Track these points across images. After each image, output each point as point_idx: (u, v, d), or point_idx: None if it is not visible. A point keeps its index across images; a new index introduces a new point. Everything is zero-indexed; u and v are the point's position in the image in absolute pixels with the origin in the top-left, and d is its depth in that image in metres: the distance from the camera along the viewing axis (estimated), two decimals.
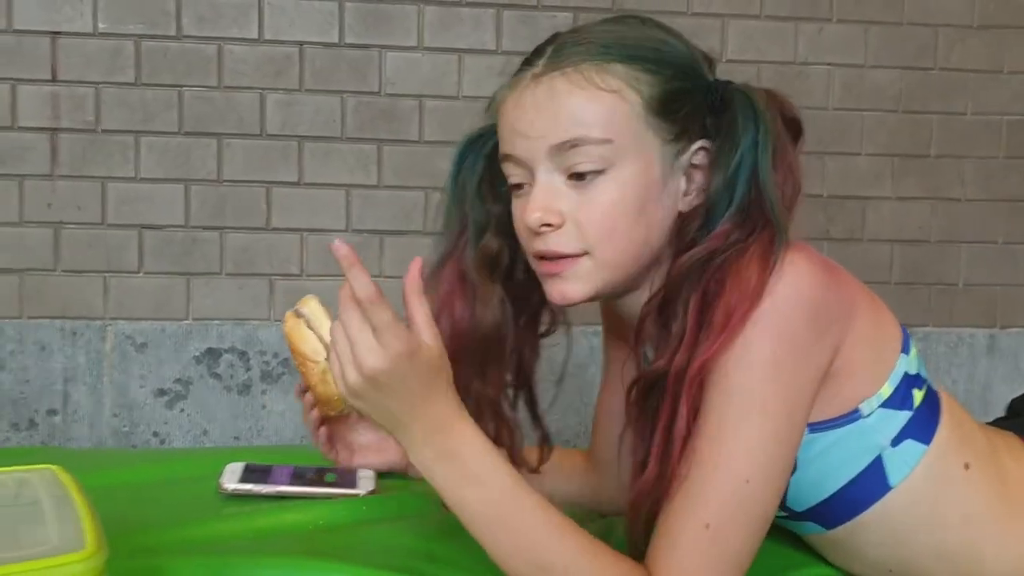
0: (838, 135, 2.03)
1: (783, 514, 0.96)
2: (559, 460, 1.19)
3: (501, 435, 1.01)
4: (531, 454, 1.06)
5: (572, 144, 0.86)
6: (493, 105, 0.95)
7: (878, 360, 0.91)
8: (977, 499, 0.94)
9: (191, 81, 1.84)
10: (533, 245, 0.90)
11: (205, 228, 1.87)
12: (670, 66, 0.90)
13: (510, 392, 1.04)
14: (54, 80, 1.82)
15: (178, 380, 1.87)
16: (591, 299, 0.92)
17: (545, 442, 1.07)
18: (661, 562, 0.82)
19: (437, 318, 0.92)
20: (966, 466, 0.93)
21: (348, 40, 1.87)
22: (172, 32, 1.84)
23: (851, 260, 2.05)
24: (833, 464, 0.91)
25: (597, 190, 0.87)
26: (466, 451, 0.82)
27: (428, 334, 0.81)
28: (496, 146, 0.96)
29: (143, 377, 1.86)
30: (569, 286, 0.90)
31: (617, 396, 1.00)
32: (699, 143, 0.90)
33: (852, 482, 0.91)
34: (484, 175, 0.98)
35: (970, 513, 0.94)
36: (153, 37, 1.83)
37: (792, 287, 0.83)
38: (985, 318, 2.10)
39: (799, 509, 0.94)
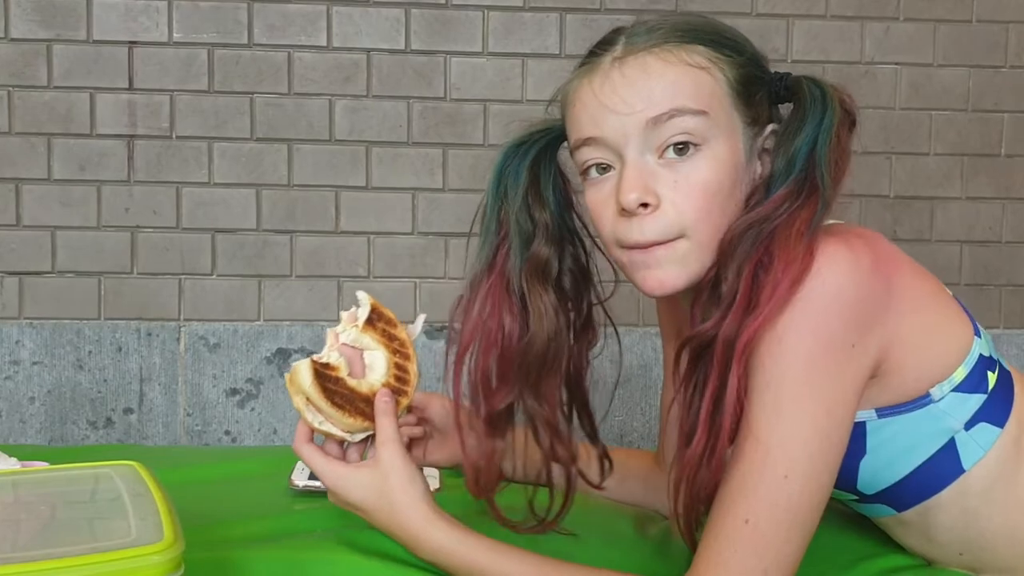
0: (906, 135, 2.00)
1: (854, 497, 0.96)
2: (626, 460, 1.21)
3: (558, 453, 1.00)
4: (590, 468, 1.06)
5: (671, 115, 0.86)
6: (562, 95, 0.95)
7: (948, 345, 0.91)
8: None
9: (262, 88, 1.89)
10: (626, 234, 0.88)
11: (276, 232, 1.91)
12: (745, 52, 0.92)
13: (565, 407, 1.02)
14: (131, 88, 1.88)
15: (249, 380, 1.91)
16: (687, 286, 0.89)
17: (605, 457, 1.06)
18: (703, 555, 0.83)
19: (470, 342, 0.96)
20: None
21: (414, 47, 1.90)
22: (244, 40, 1.88)
23: (919, 261, 1.99)
24: (904, 448, 0.91)
25: (693, 167, 0.87)
26: (446, 556, 0.88)
27: (387, 453, 0.89)
28: (540, 152, 0.97)
29: (215, 377, 1.91)
30: (667, 272, 0.88)
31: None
32: (771, 127, 0.92)
33: (924, 465, 0.91)
34: (530, 183, 0.98)
35: None
36: (226, 46, 1.88)
37: (832, 283, 0.82)
38: None
39: (870, 492, 0.94)
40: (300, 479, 1.13)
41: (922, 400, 0.89)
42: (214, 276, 1.91)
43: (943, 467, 0.91)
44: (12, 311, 1.89)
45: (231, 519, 1.02)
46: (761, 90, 0.92)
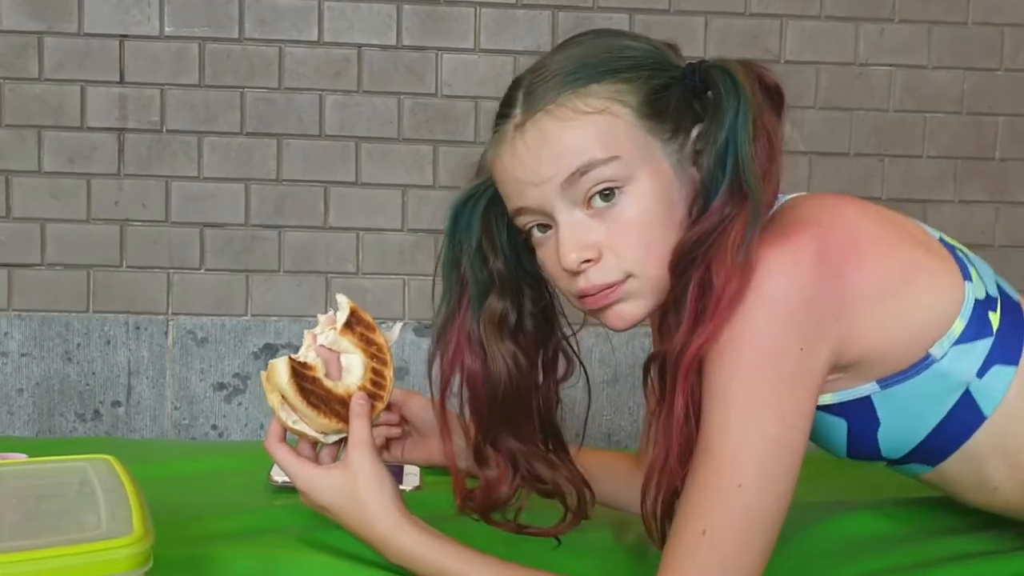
0: (899, 137, 2.00)
1: (884, 463, 0.96)
2: (606, 462, 1.20)
3: (551, 488, 1.01)
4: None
5: (582, 172, 0.85)
6: (485, 166, 0.95)
7: (937, 302, 0.89)
8: None
9: (253, 83, 1.88)
10: (574, 286, 0.89)
11: (265, 227, 1.91)
12: (642, 67, 0.89)
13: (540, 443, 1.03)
14: (122, 82, 1.87)
15: (236, 375, 1.91)
16: (649, 314, 0.90)
17: (586, 487, 1.04)
18: (665, 568, 0.83)
19: (448, 379, 0.98)
20: None
21: (405, 42, 1.90)
22: (235, 35, 1.88)
23: None
24: (917, 411, 0.90)
25: (622, 210, 0.86)
26: (415, 561, 0.89)
27: (358, 456, 0.90)
28: (489, 201, 0.97)
29: (203, 371, 1.91)
30: (625, 308, 0.89)
31: None
32: (696, 128, 0.90)
33: (943, 421, 0.90)
34: (483, 231, 0.98)
35: None
36: (217, 40, 1.88)
37: (772, 290, 0.81)
38: None
39: (896, 456, 0.94)
40: (279, 475, 1.13)
41: (924, 362, 0.88)
42: (202, 270, 1.91)
43: (964, 417, 0.90)
44: (1, 303, 1.88)
45: (209, 514, 1.02)
46: (673, 96, 0.89)
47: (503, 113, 0.91)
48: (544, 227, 0.90)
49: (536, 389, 1.01)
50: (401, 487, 1.12)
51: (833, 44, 1.97)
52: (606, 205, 0.86)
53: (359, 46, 1.90)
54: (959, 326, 0.89)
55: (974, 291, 0.90)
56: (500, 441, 0.99)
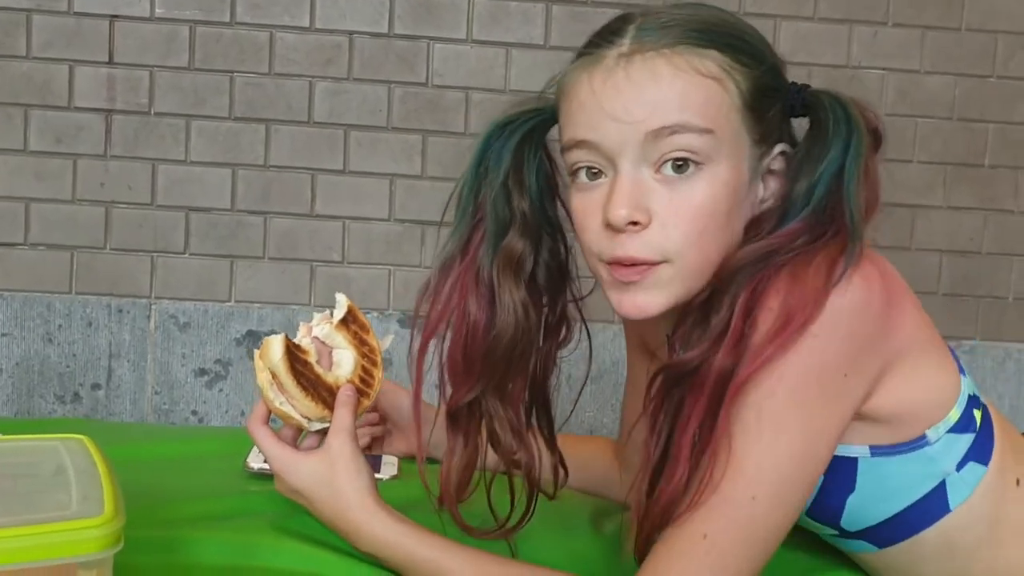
0: (890, 142, 1.92)
1: (834, 532, 0.93)
2: (583, 448, 1.19)
3: (518, 458, 0.95)
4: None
5: (673, 130, 0.79)
6: (559, 84, 0.87)
7: (943, 384, 0.88)
8: None
9: (242, 67, 1.87)
10: (608, 249, 0.82)
11: (250, 212, 1.89)
12: (762, 61, 0.84)
13: (524, 410, 0.96)
14: (111, 62, 1.86)
15: (218, 361, 1.90)
16: (666, 311, 0.84)
17: (560, 465, 1.00)
18: (654, 565, 0.80)
19: (435, 329, 0.91)
20: (1017, 482, 0.91)
21: (397, 31, 1.89)
22: (226, 19, 1.86)
23: (898, 269, 2.00)
24: (894, 488, 0.88)
25: (691, 187, 0.80)
26: (387, 548, 0.87)
27: (338, 442, 0.88)
28: (526, 135, 0.90)
29: (184, 356, 1.89)
30: (646, 297, 0.83)
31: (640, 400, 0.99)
32: (780, 147, 0.86)
33: (912, 506, 0.88)
34: (512, 166, 0.90)
35: (1022, 529, 0.91)
36: (208, 23, 1.86)
37: (838, 314, 0.78)
38: None
39: (853, 529, 0.92)
40: (256, 461, 1.12)
41: (918, 442, 0.87)
42: (187, 255, 1.89)
43: (930, 507, 0.88)
44: None
45: (183, 497, 1.01)
46: (775, 104, 0.85)
47: (602, 41, 0.83)
48: (596, 174, 0.83)
49: (536, 349, 0.94)
50: (378, 476, 1.11)
51: (826, 46, 1.97)
52: (676, 176, 0.80)
53: (350, 33, 1.88)
54: (955, 414, 0.87)
55: (968, 386, 0.90)
56: (483, 402, 0.93)
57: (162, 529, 0.90)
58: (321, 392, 0.92)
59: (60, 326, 1.87)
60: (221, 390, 1.90)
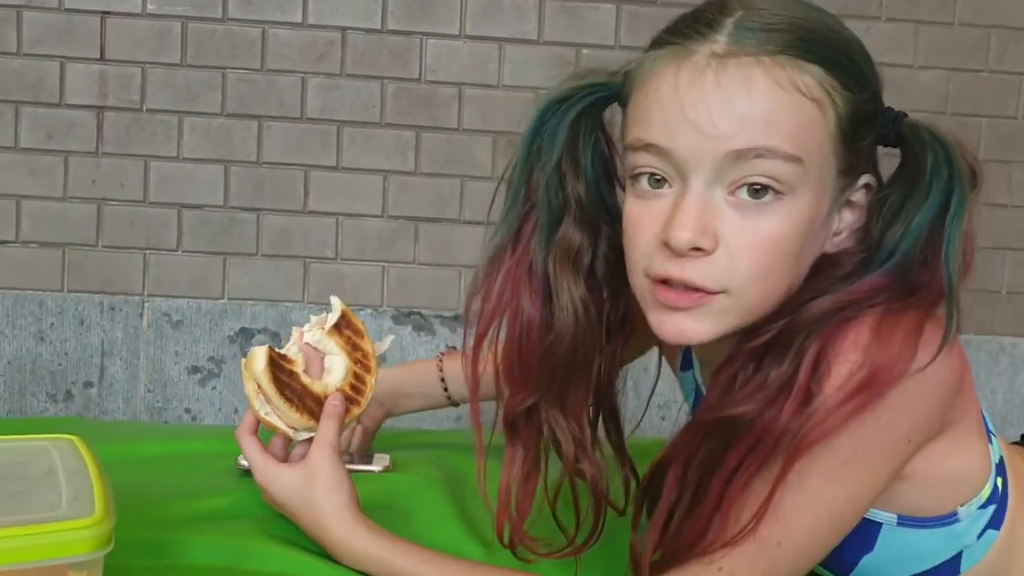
0: None
1: None
2: None
3: (584, 471, 0.86)
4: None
5: (759, 153, 0.71)
6: (636, 68, 0.77)
7: (980, 466, 0.84)
8: None
9: (235, 63, 1.87)
10: (662, 267, 0.74)
11: (243, 209, 1.89)
12: (866, 83, 0.76)
13: (591, 416, 0.88)
14: (102, 59, 1.85)
15: (211, 358, 1.89)
16: (709, 341, 0.76)
17: (632, 476, 0.91)
18: (661, 573, 0.78)
19: (488, 326, 0.83)
20: None
21: (390, 26, 1.88)
22: (218, 15, 1.86)
23: None
24: (912, 556, 0.85)
25: (766, 217, 0.72)
26: (367, 562, 0.84)
27: (319, 456, 0.86)
28: (583, 111, 0.81)
29: (177, 354, 1.89)
30: (693, 324, 0.75)
31: None
32: (865, 179, 0.78)
33: (925, 572, 0.86)
34: (567, 146, 0.80)
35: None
36: (200, 19, 1.86)
37: (926, 382, 0.73)
38: None
39: None
40: (246, 459, 1.12)
41: (948, 518, 0.83)
42: (179, 252, 1.89)
43: (942, 573, 0.86)
44: None
45: (175, 498, 1.01)
46: (870, 134, 0.76)
47: (696, 29, 0.73)
48: (660, 181, 0.74)
49: (600, 351, 0.85)
50: (370, 468, 1.11)
51: None
52: (752, 201, 0.72)
53: (343, 29, 1.88)
54: (987, 491, 0.83)
55: (996, 453, 0.86)
56: (543, 410, 0.84)
57: (153, 531, 0.89)
58: (307, 402, 0.91)
59: (52, 324, 1.87)
60: (214, 388, 1.90)
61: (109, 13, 1.84)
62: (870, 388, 0.71)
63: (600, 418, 0.89)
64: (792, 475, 0.73)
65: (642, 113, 0.75)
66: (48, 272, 1.87)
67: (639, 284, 0.77)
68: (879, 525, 0.84)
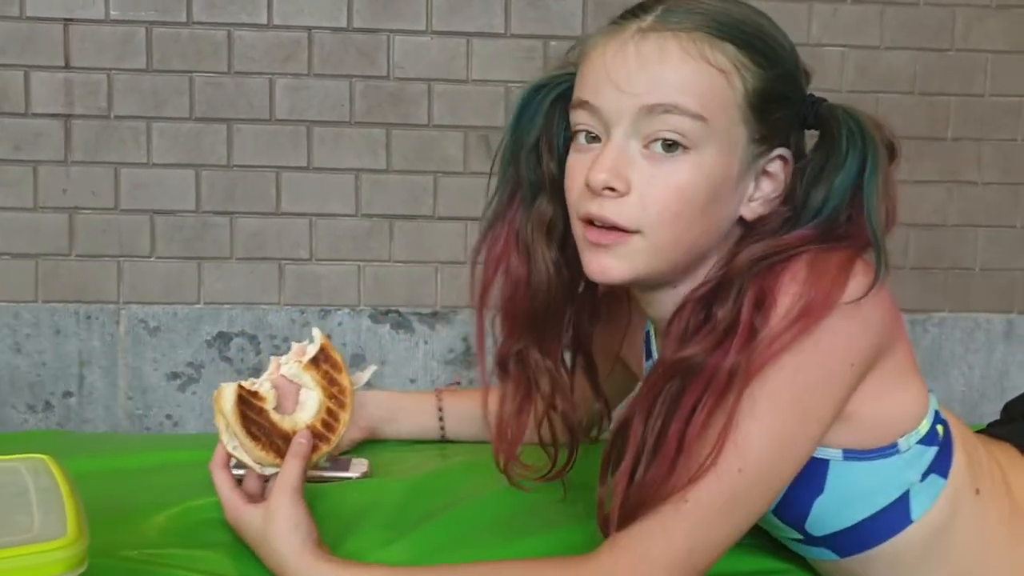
0: None
1: (799, 537, 0.94)
2: None
3: (558, 405, 0.99)
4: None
5: (666, 109, 0.81)
6: (578, 48, 0.90)
7: (915, 395, 0.90)
8: (987, 524, 0.93)
9: (201, 67, 1.85)
10: (585, 207, 0.85)
11: (216, 213, 1.88)
12: (779, 65, 0.87)
13: (567, 358, 1.02)
14: (67, 67, 1.83)
15: (190, 364, 1.89)
16: (629, 283, 0.88)
17: (606, 413, 1.06)
18: (630, 527, 0.82)
19: (492, 279, 0.96)
20: (977, 492, 0.93)
21: (356, 24, 1.87)
22: (183, 18, 1.84)
23: None
24: (861, 494, 0.89)
25: (674, 168, 0.83)
26: None
27: (276, 499, 0.89)
28: (558, 97, 0.92)
29: (156, 361, 1.88)
30: (612, 263, 0.85)
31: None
32: (779, 151, 0.87)
33: (876, 514, 0.90)
34: (542, 131, 0.93)
35: (982, 539, 0.93)
36: (164, 23, 1.84)
37: (862, 304, 0.81)
38: (1002, 303, 2.07)
39: (817, 534, 0.93)
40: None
41: (889, 449, 0.88)
42: (153, 258, 1.88)
43: (894, 517, 0.90)
44: None
45: (153, 512, 1.01)
46: (783, 111, 0.87)
47: (631, 13, 0.86)
48: (594, 138, 0.86)
49: (571, 303, 0.98)
50: (348, 475, 1.12)
51: (786, 24, 1.93)
52: (663, 154, 0.83)
53: (309, 29, 1.87)
54: (925, 426, 0.90)
55: (933, 401, 0.93)
56: (525, 353, 0.97)
57: (130, 549, 0.90)
58: (275, 440, 0.93)
59: (28, 335, 1.86)
60: (194, 393, 1.89)
61: (72, 20, 1.83)
62: (809, 315, 0.79)
63: (578, 363, 1.03)
64: (744, 401, 0.80)
65: (581, 79, 0.87)
66: (21, 283, 1.86)
67: (576, 229, 0.88)
68: (826, 463, 0.88)
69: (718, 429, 0.80)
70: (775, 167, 0.87)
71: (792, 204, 0.87)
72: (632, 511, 0.83)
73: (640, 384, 0.89)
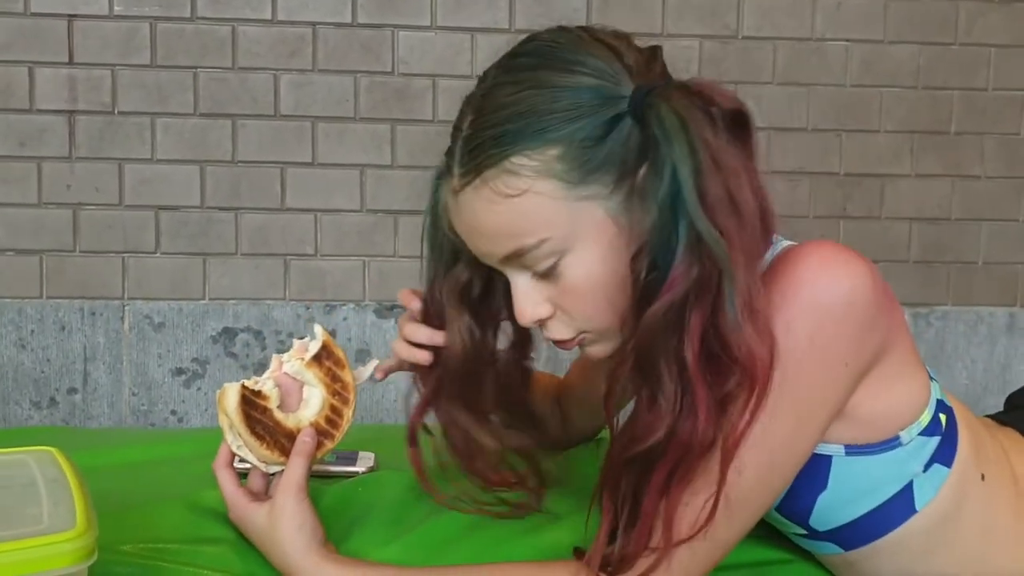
0: (856, 112, 2.00)
1: (803, 532, 0.94)
2: (539, 384, 1.22)
3: (476, 467, 0.98)
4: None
5: (516, 255, 0.82)
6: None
7: (917, 386, 0.89)
8: (993, 509, 0.93)
9: (206, 62, 1.86)
10: (541, 334, 0.89)
11: (220, 209, 1.88)
12: (571, 118, 0.79)
13: (498, 419, 1.00)
14: (71, 63, 1.84)
15: (195, 359, 1.89)
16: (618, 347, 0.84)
17: (541, 486, 1.00)
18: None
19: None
20: (982, 477, 0.92)
21: (361, 20, 1.88)
22: (187, 14, 1.85)
23: (869, 238, 2.04)
24: (865, 488, 0.89)
25: (566, 276, 0.82)
26: None
27: (282, 497, 0.89)
28: None
29: (161, 356, 1.89)
30: (595, 349, 0.87)
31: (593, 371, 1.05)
32: (643, 168, 0.79)
33: (880, 507, 0.89)
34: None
35: (987, 525, 0.93)
36: (168, 19, 1.84)
37: (849, 291, 0.79)
38: (1005, 296, 2.07)
39: (821, 529, 0.92)
40: (239, 463, 1.12)
41: (890, 442, 0.87)
42: (158, 254, 1.88)
43: (898, 508, 0.89)
44: None
45: (160, 505, 1.01)
46: (613, 141, 0.78)
47: (445, 159, 0.85)
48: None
49: (493, 364, 0.98)
50: (354, 469, 1.12)
51: (790, 19, 1.97)
52: (552, 272, 0.82)
53: (314, 24, 1.87)
54: (926, 417, 0.88)
55: (936, 390, 0.92)
56: (449, 412, 0.97)
57: (135, 543, 0.90)
58: (279, 438, 0.92)
59: (33, 331, 1.86)
60: (199, 388, 1.90)
61: (76, 16, 1.83)
62: (759, 371, 0.76)
63: (515, 422, 1.01)
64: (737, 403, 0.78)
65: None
66: (26, 279, 1.86)
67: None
68: (829, 459, 0.87)
69: (704, 496, 0.78)
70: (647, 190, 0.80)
71: (640, 253, 0.79)
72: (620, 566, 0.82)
73: (604, 461, 0.85)
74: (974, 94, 2.02)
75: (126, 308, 1.88)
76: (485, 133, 0.81)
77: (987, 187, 2.05)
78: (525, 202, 0.79)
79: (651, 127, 0.77)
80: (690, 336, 0.76)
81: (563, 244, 0.81)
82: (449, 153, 0.84)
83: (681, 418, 0.77)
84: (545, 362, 1.14)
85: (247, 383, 0.92)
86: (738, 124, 0.79)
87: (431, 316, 0.96)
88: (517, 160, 0.79)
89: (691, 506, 0.79)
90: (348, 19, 1.87)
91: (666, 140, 0.75)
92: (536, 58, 0.83)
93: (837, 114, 1.99)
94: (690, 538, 0.79)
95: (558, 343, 0.87)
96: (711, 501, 0.78)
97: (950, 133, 2.03)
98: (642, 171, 0.78)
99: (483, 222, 0.82)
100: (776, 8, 1.96)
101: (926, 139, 2.02)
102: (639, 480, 0.81)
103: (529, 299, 0.85)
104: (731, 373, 0.76)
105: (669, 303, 0.76)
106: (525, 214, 0.80)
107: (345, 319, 1.88)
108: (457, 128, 0.84)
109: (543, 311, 0.85)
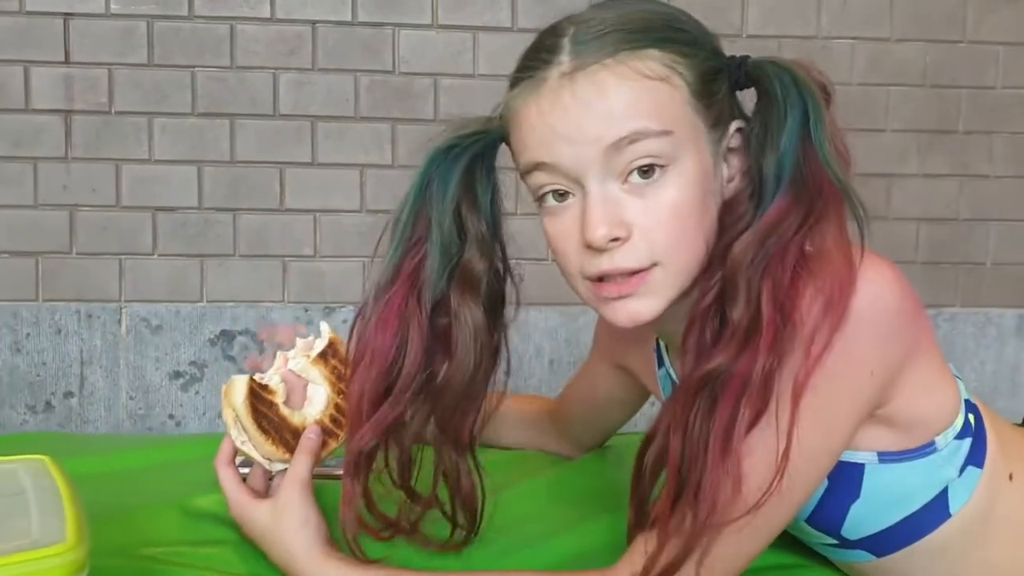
0: (862, 111, 1.98)
1: (832, 542, 0.91)
2: (524, 407, 1.25)
3: (463, 490, 0.93)
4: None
5: (632, 139, 0.77)
6: (504, 109, 0.84)
7: (948, 390, 0.87)
8: (1022, 508, 0.91)
9: (203, 61, 1.83)
10: (594, 265, 0.79)
11: (218, 210, 1.86)
12: (700, 45, 0.82)
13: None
14: (67, 62, 1.81)
15: (193, 362, 1.87)
16: (658, 315, 0.81)
17: (466, 516, 0.95)
18: (647, 534, 0.79)
19: (359, 360, 0.87)
20: (1010, 477, 0.90)
21: (361, 18, 1.85)
22: (184, 12, 1.82)
23: (876, 239, 1.98)
24: (900, 495, 0.87)
25: (661, 191, 0.78)
26: None
27: (287, 493, 0.87)
28: (475, 157, 0.88)
29: (158, 360, 1.86)
30: (640, 304, 0.80)
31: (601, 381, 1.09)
32: (735, 124, 0.84)
33: (914, 513, 0.87)
34: (464, 191, 0.88)
35: (1018, 522, 0.91)
36: (165, 17, 1.82)
37: (876, 303, 0.77)
38: (1014, 298, 2.05)
39: (853, 538, 0.90)
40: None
41: (926, 448, 0.85)
42: (155, 256, 1.86)
43: (932, 514, 0.87)
44: None
45: (156, 513, 0.99)
46: (722, 84, 0.83)
47: (541, 59, 0.80)
48: (562, 195, 0.81)
49: (490, 375, 0.91)
50: None
51: (795, 17, 1.95)
52: (644, 182, 0.78)
53: (313, 22, 1.84)
54: (960, 420, 0.87)
55: (963, 390, 0.90)
56: (442, 453, 0.90)
57: (136, 547, 0.88)
58: (285, 435, 0.91)
59: (28, 335, 1.84)
60: (197, 392, 1.87)
61: (72, 15, 1.80)
62: (832, 306, 0.75)
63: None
64: (761, 424, 0.75)
65: (522, 143, 0.82)
66: (22, 282, 1.84)
67: (581, 290, 0.83)
68: (861, 467, 0.86)
69: (768, 442, 0.75)
70: (736, 141, 0.84)
71: (749, 178, 0.82)
72: (692, 537, 0.77)
73: (665, 402, 0.83)
74: (982, 92, 2.00)
75: (123, 311, 1.86)
76: (611, 25, 0.79)
77: (996, 187, 2.02)
78: (662, 88, 0.78)
79: (769, 84, 0.81)
80: (771, 268, 0.77)
81: (677, 148, 0.79)
82: (541, 56, 0.80)
83: (747, 345, 0.76)
84: (538, 384, 1.11)
85: (255, 377, 0.90)
86: (827, 97, 0.82)
87: (369, 325, 0.87)
88: (652, 52, 0.79)
89: (755, 454, 0.76)
90: (348, 17, 1.85)
91: (791, 93, 0.79)
92: (651, 1, 0.84)
93: (843, 113, 1.94)
94: (759, 503, 0.75)
95: (621, 282, 0.79)
96: (780, 454, 0.75)
97: (958, 132, 2.01)
98: (733, 126, 0.83)
99: (612, 97, 0.77)
100: (781, 6, 1.94)
101: (934, 138, 2.00)
102: (703, 421, 0.77)
103: (609, 212, 0.78)
104: (796, 311, 0.76)
105: (767, 231, 0.78)
106: (658, 99, 0.78)
107: (345, 321, 1.86)
108: (555, 33, 0.81)
109: (621, 229, 0.78)
